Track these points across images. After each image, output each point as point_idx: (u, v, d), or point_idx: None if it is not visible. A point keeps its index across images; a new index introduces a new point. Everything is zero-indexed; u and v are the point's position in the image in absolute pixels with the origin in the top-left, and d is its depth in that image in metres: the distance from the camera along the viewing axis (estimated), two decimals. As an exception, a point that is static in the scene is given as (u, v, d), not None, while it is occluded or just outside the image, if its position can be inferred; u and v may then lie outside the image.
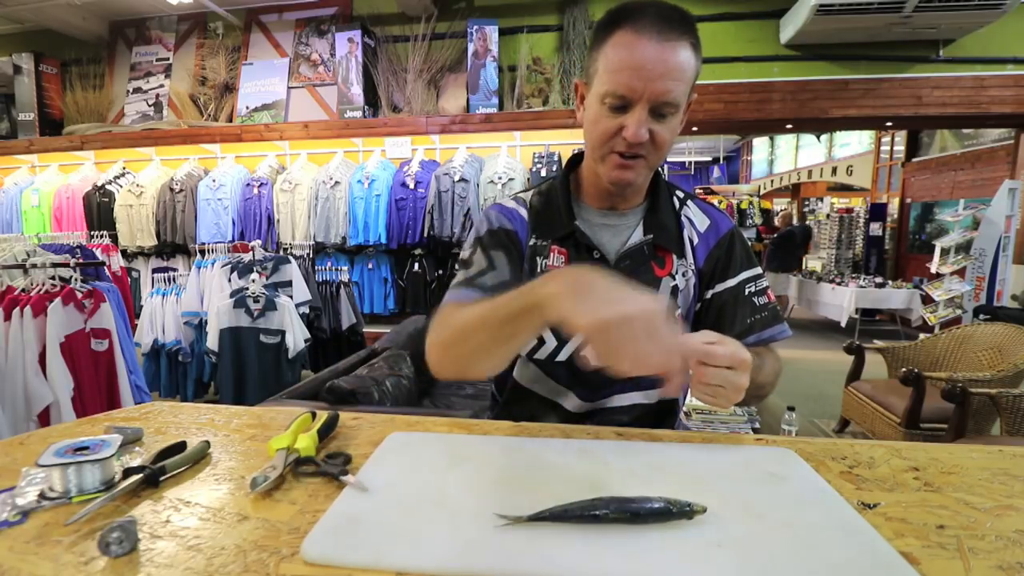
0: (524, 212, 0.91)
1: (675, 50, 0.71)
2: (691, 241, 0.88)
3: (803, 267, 7.05)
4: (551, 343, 0.88)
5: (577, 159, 0.94)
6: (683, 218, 0.89)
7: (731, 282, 0.86)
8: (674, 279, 0.86)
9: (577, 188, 0.92)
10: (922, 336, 2.91)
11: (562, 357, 0.87)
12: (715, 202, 7.39)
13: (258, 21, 4.23)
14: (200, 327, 3.17)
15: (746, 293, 0.86)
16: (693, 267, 0.87)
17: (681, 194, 0.92)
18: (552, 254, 0.88)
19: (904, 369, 2.31)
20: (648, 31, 0.71)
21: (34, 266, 1.94)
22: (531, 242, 0.89)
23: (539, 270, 0.87)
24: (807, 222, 7.01)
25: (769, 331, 0.84)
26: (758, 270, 0.88)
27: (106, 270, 2.48)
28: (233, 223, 3.76)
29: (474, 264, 0.85)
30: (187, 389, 3.28)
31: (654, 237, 0.86)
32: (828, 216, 8.23)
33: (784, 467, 0.61)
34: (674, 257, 0.86)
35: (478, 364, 0.70)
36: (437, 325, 0.76)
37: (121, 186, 3.92)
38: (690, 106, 0.80)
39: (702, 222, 0.89)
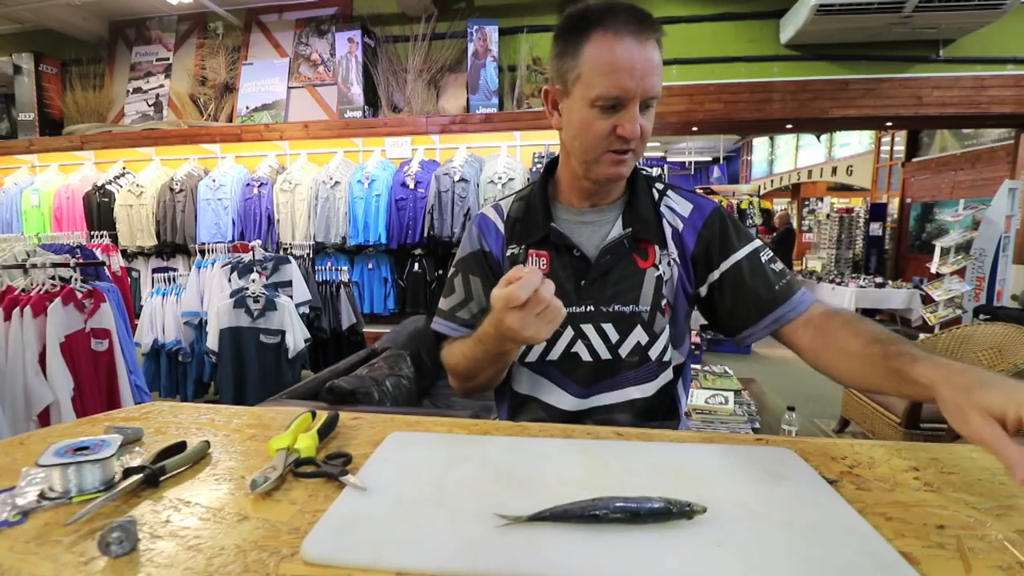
0: (500, 224, 0.94)
1: (653, 47, 0.75)
2: (675, 229, 0.88)
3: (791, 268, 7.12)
4: (540, 344, 0.88)
5: (555, 163, 0.96)
6: (663, 208, 0.89)
7: (737, 256, 0.85)
8: (658, 269, 0.86)
9: (556, 191, 0.94)
10: (922, 336, 2.91)
11: (553, 356, 0.88)
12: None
13: (258, 21, 4.23)
14: (200, 327, 3.17)
15: (762, 261, 0.85)
16: (677, 256, 0.87)
17: (660, 186, 0.93)
18: (531, 258, 0.89)
19: (904, 369, 2.30)
20: (627, 32, 0.74)
21: (34, 266, 1.94)
22: (508, 253, 0.91)
23: None
24: (789, 224, 7.06)
25: (799, 295, 0.82)
26: (759, 241, 0.88)
27: (106, 270, 2.48)
28: (233, 223, 3.76)
29: (455, 292, 0.94)
30: (187, 389, 3.28)
31: (633, 230, 0.86)
32: (828, 216, 8.23)
33: (784, 467, 0.61)
34: (656, 248, 0.87)
35: (491, 384, 0.87)
36: (448, 366, 0.91)
37: (121, 186, 3.92)
38: None
39: (685, 208, 0.89)
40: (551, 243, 0.88)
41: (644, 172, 0.96)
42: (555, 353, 0.88)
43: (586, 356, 0.86)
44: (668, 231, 0.88)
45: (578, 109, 0.79)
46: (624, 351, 0.86)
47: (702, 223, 0.87)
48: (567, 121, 0.83)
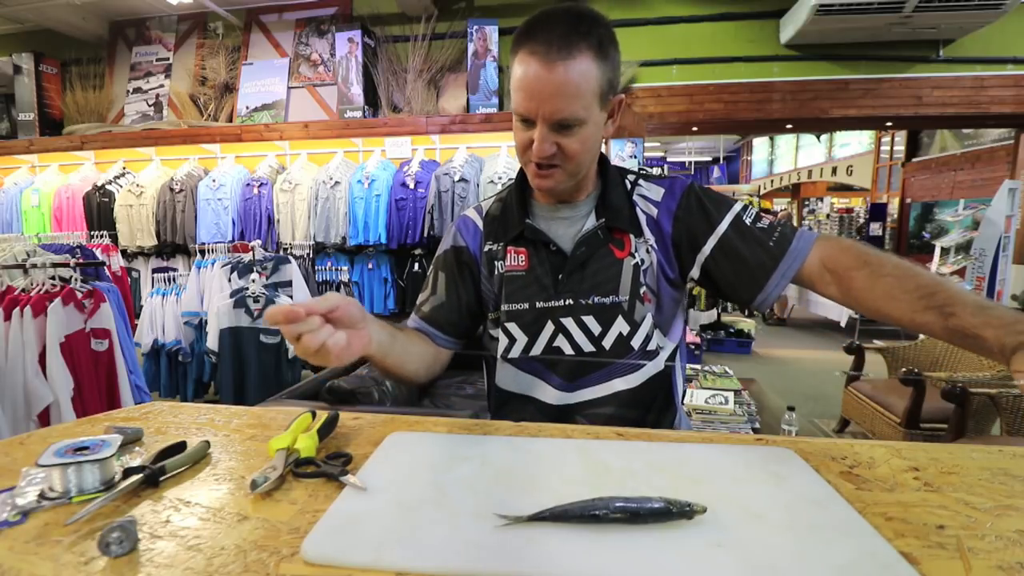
0: (480, 222, 0.96)
1: (565, 69, 0.72)
2: (650, 216, 0.88)
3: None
4: (522, 340, 0.89)
5: None
6: (636, 197, 0.90)
7: (723, 226, 0.84)
8: (635, 258, 0.86)
9: (532, 189, 0.95)
10: (922, 336, 2.91)
11: (536, 351, 0.89)
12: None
13: (258, 21, 4.23)
14: (200, 327, 3.17)
15: (747, 223, 0.84)
16: (655, 241, 0.87)
17: (632, 176, 0.93)
18: (509, 255, 0.90)
19: (904, 369, 2.31)
20: (539, 51, 0.73)
21: (34, 266, 1.94)
22: (485, 249, 0.93)
23: (496, 273, 0.91)
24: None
25: (796, 242, 0.81)
26: (740, 204, 0.87)
27: (106, 270, 2.48)
28: (233, 223, 3.75)
29: (427, 287, 0.97)
30: (187, 389, 3.28)
31: (606, 220, 0.87)
32: (828, 216, 8.24)
33: (784, 467, 0.61)
34: (631, 237, 0.87)
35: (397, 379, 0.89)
36: None
37: (121, 186, 3.92)
38: (620, 106, 0.82)
39: (656, 192, 0.90)
40: (527, 239, 0.89)
41: (644, 171, 0.97)
42: (537, 348, 0.89)
43: (568, 350, 0.87)
44: (643, 218, 0.88)
45: (513, 116, 0.81)
46: (607, 343, 0.86)
47: (676, 204, 0.87)
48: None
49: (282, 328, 0.57)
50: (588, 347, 0.87)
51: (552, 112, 0.75)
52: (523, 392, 0.91)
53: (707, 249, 0.85)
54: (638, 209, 0.89)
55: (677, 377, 0.93)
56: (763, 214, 0.87)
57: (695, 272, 0.88)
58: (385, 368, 0.79)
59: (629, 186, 0.91)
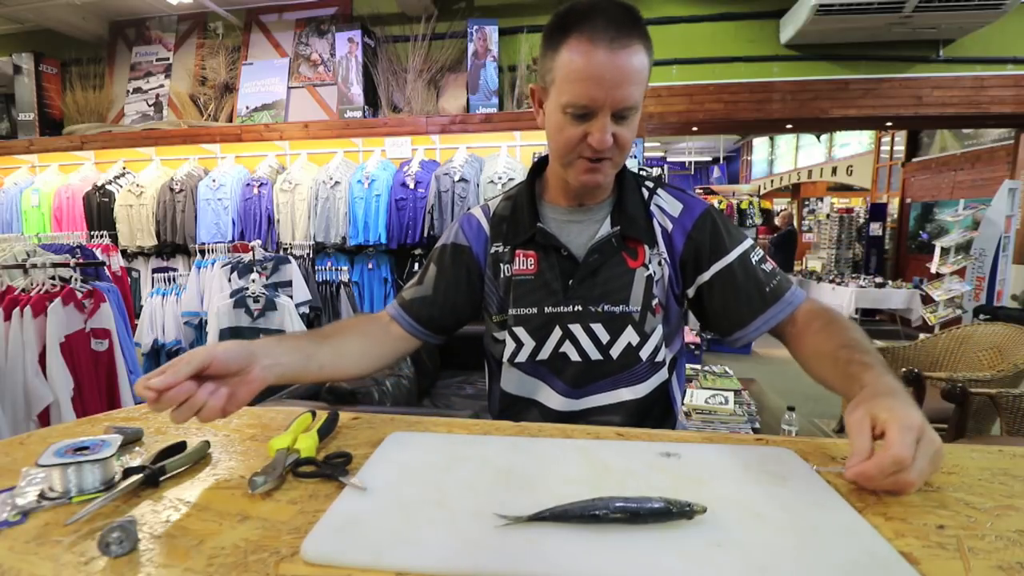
0: (485, 223, 0.94)
1: (630, 55, 0.71)
2: (664, 229, 0.87)
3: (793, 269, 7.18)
4: (529, 344, 0.88)
5: (543, 162, 0.95)
6: (653, 207, 0.88)
7: (729, 258, 0.84)
8: (648, 269, 0.85)
9: (544, 190, 0.93)
10: (922, 336, 2.90)
11: (543, 356, 0.88)
12: (715, 202, 7.48)
13: (258, 21, 4.23)
14: (200, 327, 3.17)
15: (753, 262, 0.84)
16: (667, 255, 0.86)
17: (651, 184, 0.91)
18: (518, 258, 0.88)
19: (904, 369, 2.30)
20: (601, 38, 0.70)
21: (34, 266, 1.94)
22: (492, 250, 0.91)
23: (503, 276, 0.89)
24: (791, 226, 7.13)
25: (789, 294, 0.82)
26: (751, 240, 0.87)
27: (106, 270, 2.48)
28: (233, 223, 3.75)
29: (416, 276, 0.97)
30: (187, 389, 3.27)
31: (622, 228, 0.85)
32: (828, 216, 8.24)
33: (784, 467, 0.61)
34: (646, 247, 0.86)
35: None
36: None
37: (121, 186, 3.92)
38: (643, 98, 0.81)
39: (675, 207, 0.88)
40: (538, 243, 0.88)
41: (644, 171, 0.97)
42: (544, 353, 0.88)
43: (575, 356, 0.86)
44: (658, 230, 0.87)
45: (553, 112, 0.79)
46: (615, 352, 0.85)
47: (691, 225, 0.86)
48: (547, 122, 0.82)
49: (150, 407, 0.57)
50: (595, 355, 0.85)
51: (621, 99, 0.73)
52: (527, 396, 0.90)
53: (707, 275, 0.85)
54: (655, 220, 0.87)
55: (676, 387, 0.93)
56: (767, 258, 0.87)
57: (690, 292, 0.88)
58: (310, 382, 0.78)
59: (647, 194, 0.89)
